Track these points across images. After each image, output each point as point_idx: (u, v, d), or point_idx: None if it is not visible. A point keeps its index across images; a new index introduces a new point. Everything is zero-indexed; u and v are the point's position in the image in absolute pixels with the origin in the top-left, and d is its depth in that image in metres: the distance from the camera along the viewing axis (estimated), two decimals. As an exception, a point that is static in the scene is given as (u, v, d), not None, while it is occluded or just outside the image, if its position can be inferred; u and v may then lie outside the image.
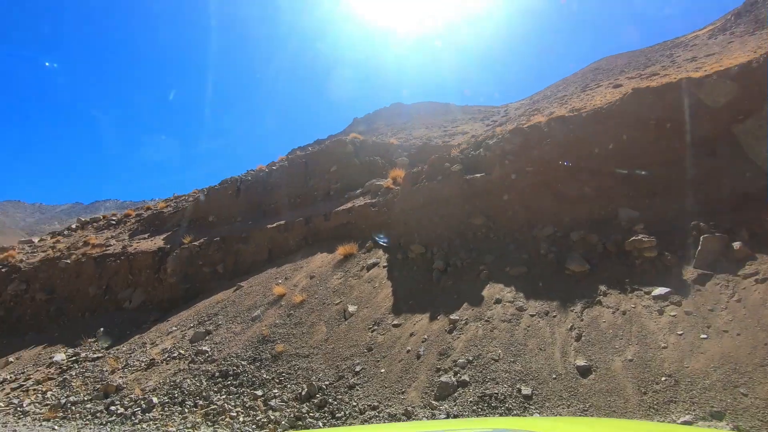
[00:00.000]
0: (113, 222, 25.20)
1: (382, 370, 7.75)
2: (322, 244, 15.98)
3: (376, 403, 6.92)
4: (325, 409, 7.13)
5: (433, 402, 6.54)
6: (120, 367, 10.56)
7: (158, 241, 18.86)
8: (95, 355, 12.23)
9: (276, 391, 8.17)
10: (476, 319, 8.08)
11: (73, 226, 27.05)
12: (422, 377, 7.16)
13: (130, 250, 18.45)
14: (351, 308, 10.49)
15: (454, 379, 6.75)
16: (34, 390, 10.51)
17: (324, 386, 7.83)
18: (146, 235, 20.58)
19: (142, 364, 10.36)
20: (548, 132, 12.18)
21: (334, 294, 11.73)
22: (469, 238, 11.53)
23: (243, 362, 9.44)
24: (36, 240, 25.82)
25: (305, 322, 10.60)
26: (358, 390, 7.47)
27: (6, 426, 8.47)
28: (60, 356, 12.80)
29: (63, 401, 9.27)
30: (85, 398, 9.47)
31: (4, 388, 11.64)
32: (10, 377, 12.31)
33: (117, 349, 12.33)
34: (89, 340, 13.93)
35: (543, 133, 12.17)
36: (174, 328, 12.61)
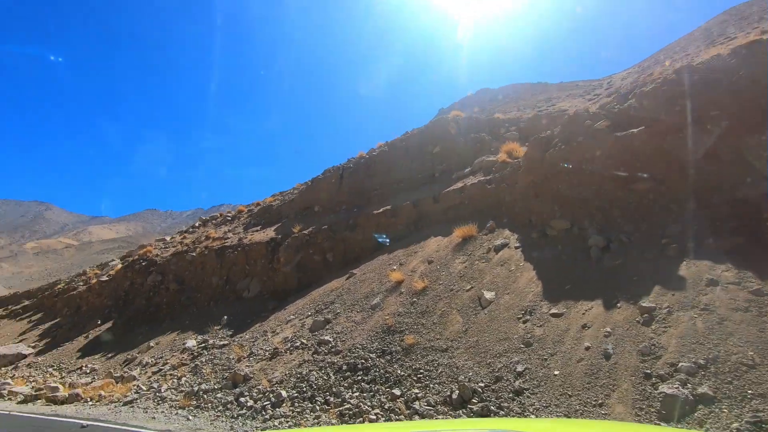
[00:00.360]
0: (228, 218, 26.54)
1: (556, 372, 5.91)
2: (433, 228, 14.49)
3: (561, 416, 5.13)
4: (490, 418, 5.55)
5: (660, 422, 4.53)
6: (245, 355, 10.13)
7: (270, 233, 18.97)
8: (222, 342, 12.15)
9: (417, 390, 6.78)
10: (686, 307, 5.82)
11: (197, 224, 29.16)
12: (625, 385, 5.18)
13: (246, 241, 18.79)
14: (487, 295, 8.74)
15: (684, 391, 4.67)
16: (171, 375, 10.54)
17: (479, 388, 6.23)
18: (258, 228, 21.00)
19: (266, 353, 9.78)
20: (735, 65, 9.13)
21: (461, 279, 10.09)
22: (632, 207, 9.04)
23: (371, 355, 8.25)
24: (168, 238, 28.26)
25: (433, 311, 9.12)
26: (529, 397, 5.73)
27: (146, 412, 8.34)
28: (191, 342, 13.02)
29: (195, 389, 8.99)
30: (216, 386, 9.08)
31: (146, 372, 12.07)
32: (152, 361, 12.80)
33: (240, 337, 12.11)
34: (215, 327, 14.12)
35: (729, 66, 9.15)
36: (292, 317, 12.04)
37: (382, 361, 7.93)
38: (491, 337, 7.37)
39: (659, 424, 4.71)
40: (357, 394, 7.19)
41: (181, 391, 9.25)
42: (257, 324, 13.11)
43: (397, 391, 6.88)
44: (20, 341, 24.80)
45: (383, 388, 7.13)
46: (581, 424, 2.97)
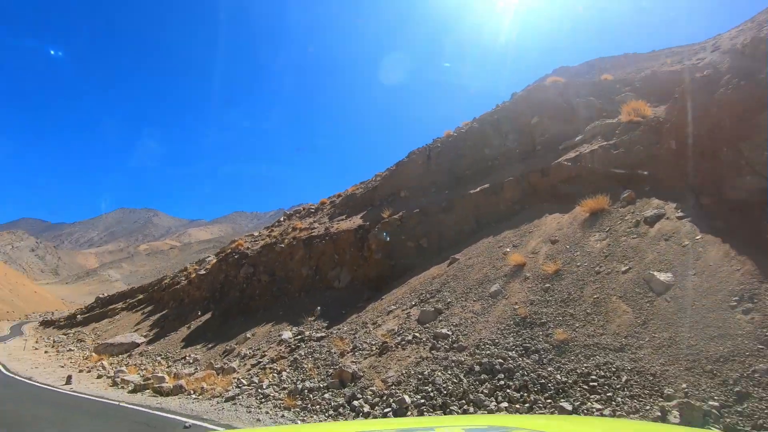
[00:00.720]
0: (312, 210, 26.21)
1: None
2: (543, 205, 12.35)
3: None
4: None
5: None
6: (348, 349, 8.90)
7: (356, 220, 17.89)
8: (319, 335, 11.11)
9: (597, 405, 4.88)
10: None
11: (281, 219, 29.38)
12: None
13: (332, 230, 17.91)
14: (661, 277, 6.48)
15: None
16: (270, 369, 9.67)
17: (713, 410, 4.18)
18: (343, 217, 20.12)
19: (373, 348, 8.44)
20: None
21: (606, 259, 7.88)
22: None
23: (509, 353, 6.47)
24: (256, 233, 28.74)
25: (579, 298, 7.07)
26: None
27: (250, 411, 7.40)
28: (287, 334, 12.22)
29: (299, 386, 7.89)
30: (321, 384, 7.91)
31: (245, 364, 11.45)
32: (249, 353, 12.21)
33: (338, 329, 10.98)
34: (309, 318, 13.26)
35: None
36: (393, 307, 10.62)
37: (528, 361, 6.10)
38: (695, 333, 5.19)
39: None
40: (505, 404, 5.46)
41: (284, 389, 8.24)
42: (353, 315, 11.92)
43: (566, 405, 5.03)
44: (135, 331, 26.66)
45: (542, 399, 5.33)
46: (578, 421, 2.77)
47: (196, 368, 12.64)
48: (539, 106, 16.74)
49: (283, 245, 19.29)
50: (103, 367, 14.75)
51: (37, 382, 12.23)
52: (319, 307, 13.72)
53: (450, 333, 7.67)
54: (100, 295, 53.97)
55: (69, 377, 12.10)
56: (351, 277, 15.84)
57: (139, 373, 13.24)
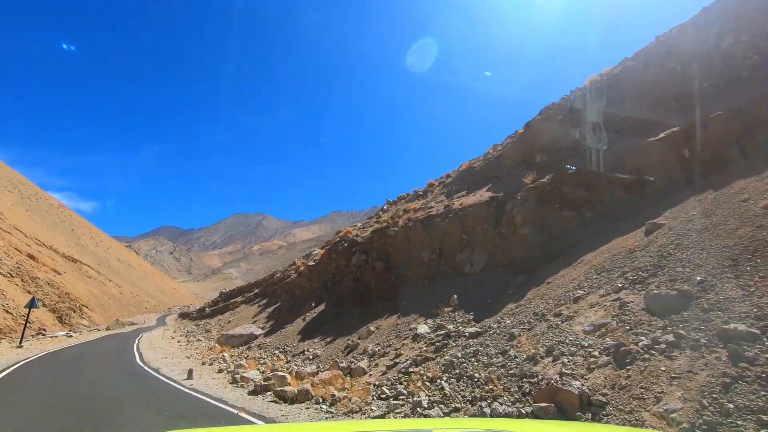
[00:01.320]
0: (420, 193, 23.68)
1: None
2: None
3: None
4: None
5: None
6: (541, 353, 5.93)
7: (484, 193, 14.78)
8: (469, 329, 8.32)
9: None
10: None
11: (384, 207, 27.44)
12: None
13: (455, 207, 15.04)
14: None
15: None
16: (417, 374, 7.13)
17: None
18: (463, 193, 17.16)
19: (593, 353, 5.33)
20: None
21: None
22: None
23: None
24: (359, 224, 27.15)
25: None
26: None
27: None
28: (423, 328, 9.67)
29: (486, 409, 5.16)
30: (520, 408, 5.08)
31: (376, 364, 9.16)
32: (378, 350, 9.93)
33: (498, 323, 8.06)
34: (445, 309, 10.57)
35: None
36: (580, 292, 7.36)
37: None
38: None
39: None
40: None
41: (457, 409, 5.58)
42: (510, 304, 8.90)
43: None
44: (253, 322, 26.86)
45: None
46: (574, 427, 2.77)
47: (318, 366, 10.76)
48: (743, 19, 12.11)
49: (396, 228, 16.98)
50: (224, 360, 13.89)
51: (162, 375, 11.44)
52: (455, 296, 10.97)
53: (758, 332, 4.26)
54: (223, 290, 58.34)
55: (190, 371, 11.11)
56: (486, 259, 12.80)
57: (258, 369, 11.88)
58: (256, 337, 18.96)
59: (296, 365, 11.74)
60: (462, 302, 10.68)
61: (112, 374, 11.69)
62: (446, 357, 7.45)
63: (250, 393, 8.80)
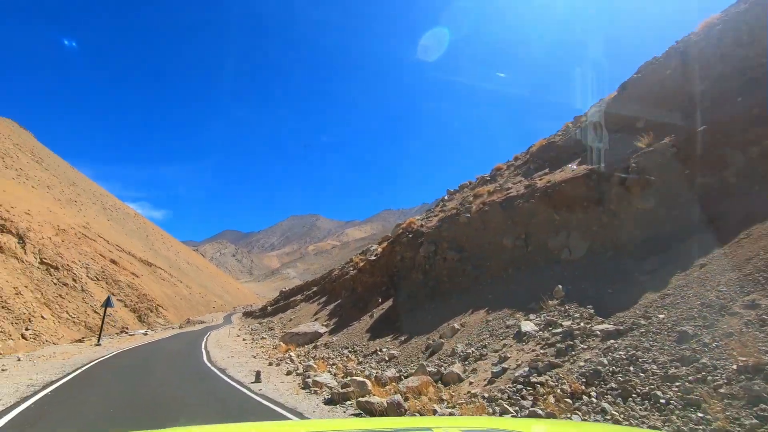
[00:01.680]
0: (487, 179, 21.58)
1: None
2: None
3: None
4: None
5: None
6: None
7: (577, 167, 12.56)
8: (602, 327, 6.39)
9: None
10: None
11: (446, 197, 25.61)
12: None
13: (541, 185, 12.94)
14: None
15: None
16: (547, 387, 5.36)
17: None
18: (546, 170, 14.94)
19: None
20: None
21: None
22: None
23: None
24: (418, 216, 25.53)
25: None
26: None
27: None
28: (528, 326, 7.83)
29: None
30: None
31: (474, 369, 7.46)
32: (472, 351, 8.22)
33: (647, 318, 6.06)
34: (550, 302, 8.64)
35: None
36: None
37: None
38: None
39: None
40: None
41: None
42: (649, 294, 6.82)
43: None
44: (315, 320, 26.14)
45: None
46: (575, 426, 2.74)
47: (399, 369, 9.27)
48: None
49: (469, 215, 15.14)
50: (291, 360, 12.87)
51: (228, 377, 10.53)
52: (559, 286, 8.99)
53: None
54: (283, 289, 59.28)
55: (258, 374, 10.09)
56: (589, 243, 10.63)
57: (329, 371, 10.64)
58: (321, 335, 17.98)
59: (371, 367, 10.35)
60: (570, 294, 8.69)
61: (180, 375, 11.01)
62: (580, 363, 5.60)
63: (327, 402, 7.47)
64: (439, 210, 20.43)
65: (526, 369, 6.13)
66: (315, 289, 42.47)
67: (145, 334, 28.66)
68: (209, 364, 13.11)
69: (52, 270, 45.50)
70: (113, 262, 61.69)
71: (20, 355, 14.02)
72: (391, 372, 8.80)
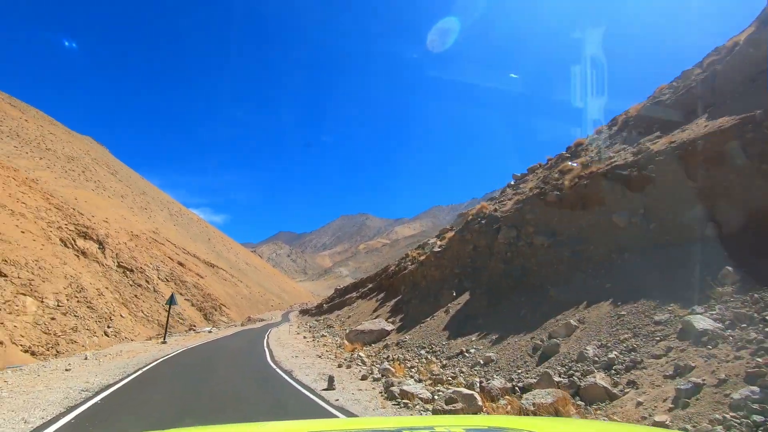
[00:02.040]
0: (567, 156, 18.89)
1: None
2: None
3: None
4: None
5: None
6: None
7: (714, 122, 9.83)
8: None
9: None
10: None
11: (512, 183, 23.10)
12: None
13: (659, 147, 10.33)
14: None
15: None
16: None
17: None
18: (657, 133, 12.18)
19: None
20: None
21: None
22: None
23: None
24: (488, 203, 23.24)
25: None
26: None
27: None
28: (704, 322, 5.56)
29: None
30: None
31: (634, 381, 5.36)
32: (615, 356, 6.07)
33: None
34: (719, 288, 6.29)
35: None
36: None
37: None
38: None
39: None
40: None
41: None
42: None
43: None
44: (375, 317, 24.65)
45: None
46: (577, 424, 2.62)
47: (507, 377, 7.31)
48: None
49: (559, 192, 12.78)
50: (362, 362, 11.32)
51: (296, 381, 9.13)
52: (729, 268, 6.57)
53: None
54: (337, 287, 58.86)
55: (331, 379, 8.57)
56: (746, 214, 8.01)
57: (410, 375, 8.92)
58: (388, 332, 16.36)
59: (462, 372, 8.47)
60: (745, 280, 6.25)
61: (243, 377, 9.82)
62: None
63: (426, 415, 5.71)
64: (513, 193, 18.07)
65: (751, 388, 3.96)
66: (370, 285, 41.25)
67: (210, 332, 28.81)
68: (273, 365, 11.89)
69: (127, 272, 48.15)
70: (180, 264, 64.63)
71: (89, 353, 13.71)
72: (499, 381, 6.86)
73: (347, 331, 24.60)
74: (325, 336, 23.18)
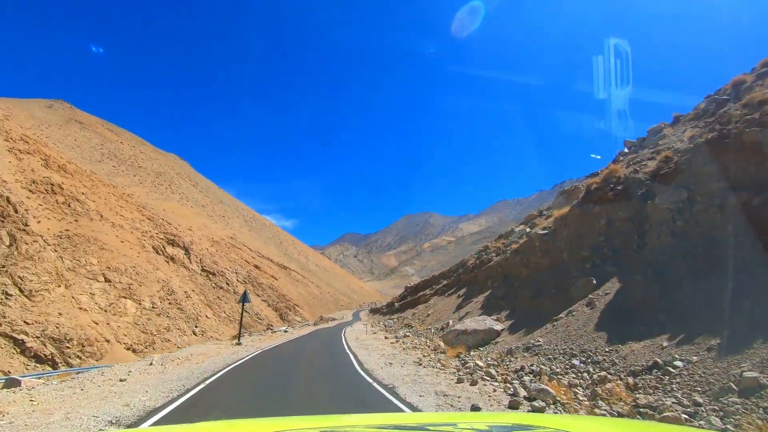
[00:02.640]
0: (725, 99, 14.12)
1: None
2: None
3: None
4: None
5: None
6: None
7: None
8: None
9: None
10: None
11: (625, 150, 18.70)
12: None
13: None
14: None
15: None
16: None
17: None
18: None
19: None
20: None
21: None
22: None
23: None
24: (616, 166, 19.06)
25: None
26: None
27: None
28: None
29: None
30: None
31: None
32: None
33: None
34: None
35: None
36: None
37: None
38: None
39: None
40: None
41: None
42: None
43: None
44: (463, 314, 21.38)
45: None
46: (605, 422, 2.48)
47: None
48: None
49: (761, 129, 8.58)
50: (490, 376, 8.09)
51: (408, 404, 6.11)
52: None
53: None
54: (407, 285, 56.14)
55: (475, 409, 5.48)
56: None
57: (578, 399, 5.57)
58: (498, 333, 12.98)
59: (675, 398, 4.95)
60: None
61: (333, 397, 7.11)
62: None
63: None
64: (651, 152, 13.72)
65: None
66: (446, 282, 37.53)
67: (285, 331, 27.44)
68: (366, 377, 9.12)
69: (210, 276, 49.63)
70: (256, 267, 66.12)
71: (157, 357, 12.09)
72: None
73: (432, 329, 21.54)
74: (408, 336, 20.32)
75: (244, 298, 18.64)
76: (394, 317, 37.52)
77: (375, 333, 25.62)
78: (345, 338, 22.14)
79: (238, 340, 17.56)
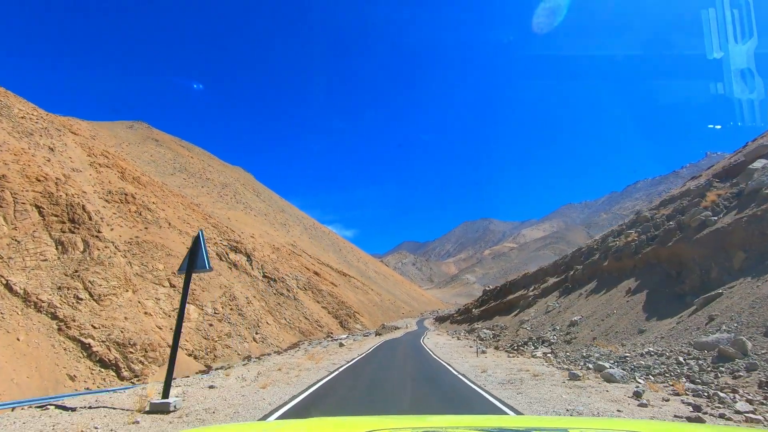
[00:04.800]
0: None
1: None
2: None
3: None
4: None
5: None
6: None
7: None
8: None
9: None
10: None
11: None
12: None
13: None
14: None
15: None
16: None
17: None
18: None
19: None
20: None
21: None
22: None
23: None
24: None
25: None
26: None
27: None
28: None
29: None
30: None
31: None
32: None
33: None
34: None
35: None
36: None
37: None
38: None
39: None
40: None
41: None
42: None
43: None
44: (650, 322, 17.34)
45: None
46: (601, 422, 2.17)
47: None
48: None
49: None
50: None
51: None
52: None
53: None
54: (486, 287, 51.35)
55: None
56: None
57: None
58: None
59: None
60: None
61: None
62: None
63: None
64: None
65: None
66: (555, 279, 28.60)
67: (341, 345, 24.63)
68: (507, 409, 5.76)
69: (271, 282, 49.28)
70: (316, 273, 65.29)
71: (218, 379, 9.63)
72: None
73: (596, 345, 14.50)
74: (550, 358, 13.41)
75: (197, 264, 6.81)
76: (477, 326, 32.48)
77: (470, 348, 19.30)
78: (434, 354, 17.48)
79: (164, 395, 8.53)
